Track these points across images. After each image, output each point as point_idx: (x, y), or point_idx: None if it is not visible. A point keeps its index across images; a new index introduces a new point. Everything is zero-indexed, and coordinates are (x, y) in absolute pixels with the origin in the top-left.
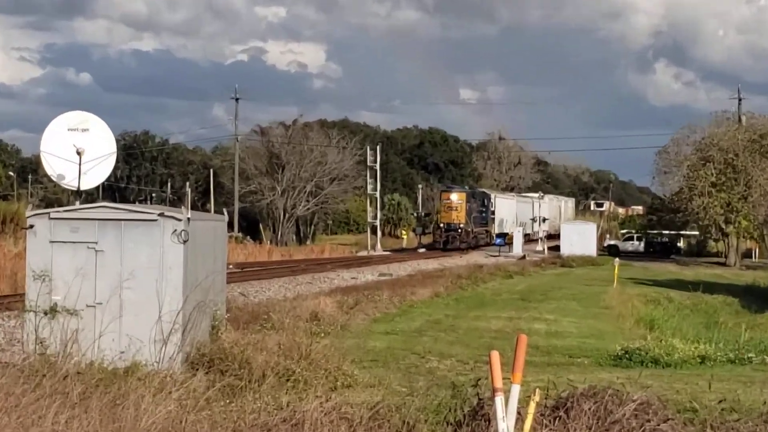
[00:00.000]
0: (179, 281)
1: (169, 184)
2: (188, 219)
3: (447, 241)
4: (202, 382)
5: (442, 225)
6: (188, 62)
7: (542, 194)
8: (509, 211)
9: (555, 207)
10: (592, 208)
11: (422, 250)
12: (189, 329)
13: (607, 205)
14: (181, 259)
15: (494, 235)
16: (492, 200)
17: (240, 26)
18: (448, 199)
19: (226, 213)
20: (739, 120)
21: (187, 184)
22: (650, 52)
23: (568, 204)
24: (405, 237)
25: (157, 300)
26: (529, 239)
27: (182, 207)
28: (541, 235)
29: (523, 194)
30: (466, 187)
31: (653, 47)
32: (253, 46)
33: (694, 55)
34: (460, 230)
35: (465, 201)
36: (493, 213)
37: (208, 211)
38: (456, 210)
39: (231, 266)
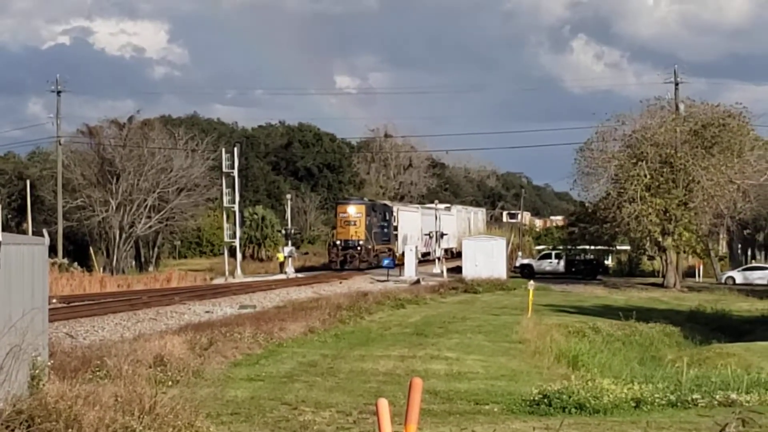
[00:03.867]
0: None
1: None
2: None
3: (345, 260)
4: None
5: (338, 242)
6: None
7: (448, 205)
8: (414, 225)
9: (464, 219)
10: (504, 219)
11: (293, 275)
12: (2, 381)
13: (520, 216)
14: None
15: (398, 254)
16: (394, 213)
17: (59, 1)
18: (345, 212)
19: (47, 234)
20: (677, 108)
21: None
22: (567, 28)
23: (478, 215)
24: (282, 260)
25: None
26: (431, 258)
27: None
28: (438, 254)
29: (428, 206)
30: (365, 199)
31: (570, 21)
32: (77, 26)
33: (620, 30)
34: (359, 248)
35: (364, 214)
36: (396, 228)
37: (25, 232)
38: (354, 225)
39: (55, 300)
